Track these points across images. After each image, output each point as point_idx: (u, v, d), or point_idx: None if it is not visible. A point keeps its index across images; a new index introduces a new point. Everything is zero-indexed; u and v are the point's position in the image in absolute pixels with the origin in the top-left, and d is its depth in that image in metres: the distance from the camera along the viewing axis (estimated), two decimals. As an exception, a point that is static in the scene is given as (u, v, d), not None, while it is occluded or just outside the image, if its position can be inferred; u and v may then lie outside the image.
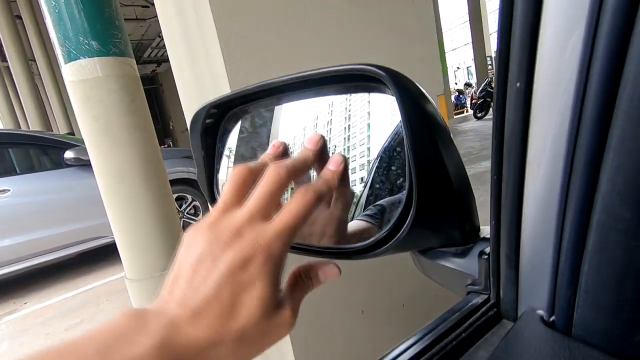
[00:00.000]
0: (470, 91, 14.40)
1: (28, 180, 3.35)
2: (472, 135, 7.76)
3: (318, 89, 0.35)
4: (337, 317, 1.30)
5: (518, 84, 0.16)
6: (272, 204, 0.26)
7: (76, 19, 0.92)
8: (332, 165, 0.30)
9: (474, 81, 15.67)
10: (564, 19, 0.14)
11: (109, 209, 1.02)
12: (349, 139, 0.36)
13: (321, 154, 0.31)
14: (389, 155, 0.33)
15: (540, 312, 0.22)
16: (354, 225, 0.35)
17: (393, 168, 0.32)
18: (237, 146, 0.41)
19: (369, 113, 0.34)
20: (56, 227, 3.38)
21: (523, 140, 0.18)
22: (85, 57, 0.94)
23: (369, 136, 0.34)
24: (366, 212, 0.34)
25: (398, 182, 0.32)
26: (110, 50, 0.96)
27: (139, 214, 0.98)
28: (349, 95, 0.34)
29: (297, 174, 0.28)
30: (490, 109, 11.69)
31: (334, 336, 1.30)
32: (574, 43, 0.15)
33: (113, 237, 3.40)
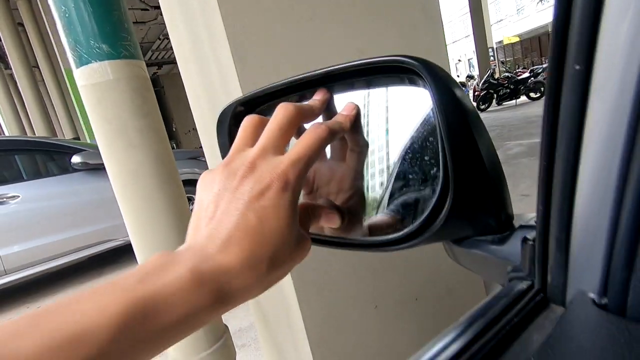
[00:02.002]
0: (472, 83, 14.30)
1: (37, 186, 3.38)
2: (476, 128, 7.70)
3: (345, 83, 0.35)
4: (351, 311, 1.31)
5: (577, 67, 0.16)
6: (283, 139, 0.27)
7: (86, 22, 0.93)
8: (345, 111, 0.32)
9: (475, 73, 15.56)
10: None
11: (125, 211, 1.02)
12: (372, 130, 0.35)
13: (354, 125, 0.32)
14: (420, 146, 0.33)
15: (592, 295, 0.22)
16: (378, 218, 0.35)
17: (426, 158, 0.32)
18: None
19: (394, 104, 0.34)
20: (66, 231, 3.41)
21: (579, 123, 0.18)
22: (96, 61, 0.94)
23: (387, 130, 0.34)
24: (391, 207, 0.34)
25: (431, 172, 0.32)
26: (121, 53, 0.96)
27: (155, 214, 0.99)
28: (376, 88, 0.34)
29: (305, 113, 0.29)
30: (493, 100, 11.61)
31: (348, 330, 1.31)
32: (637, 24, 0.15)
33: (122, 240, 3.42)
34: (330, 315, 1.25)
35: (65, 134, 9.05)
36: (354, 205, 0.33)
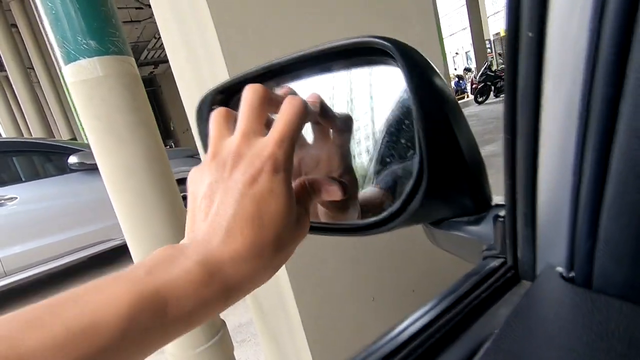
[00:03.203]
0: (469, 76, 14.27)
1: (34, 187, 3.37)
2: (475, 120, 7.72)
3: (322, 66, 0.35)
4: (348, 304, 1.31)
5: (530, 34, 0.16)
6: (259, 120, 0.27)
7: (73, 18, 0.92)
8: (310, 98, 0.31)
9: (473, 66, 15.52)
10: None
11: (117, 207, 1.02)
12: (352, 111, 0.35)
13: (323, 111, 0.31)
14: (397, 128, 0.33)
15: (559, 268, 0.22)
16: (367, 192, 0.35)
17: (402, 141, 0.32)
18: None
19: (371, 85, 0.34)
20: (65, 232, 3.41)
21: (536, 91, 0.18)
22: (84, 57, 0.93)
23: (372, 108, 0.34)
24: (377, 179, 0.34)
25: (408, 154, 0.32)
26: (109, 49, 0.96)
27: (148, 210, 0.99)
28: (353, 69, 0.34)
29: (267, 92, 0.28)
30: (491, 93, 11.57)
31: (346, 322, 1.31)
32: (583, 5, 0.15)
33: (120, 240, 3.42)
34: (327, 308, 1.25)
35: (61, 134, 9.03)
36: (346, 182, 0.33)
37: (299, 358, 1.30)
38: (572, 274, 0.21)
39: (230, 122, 0.28)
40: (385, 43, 0.28)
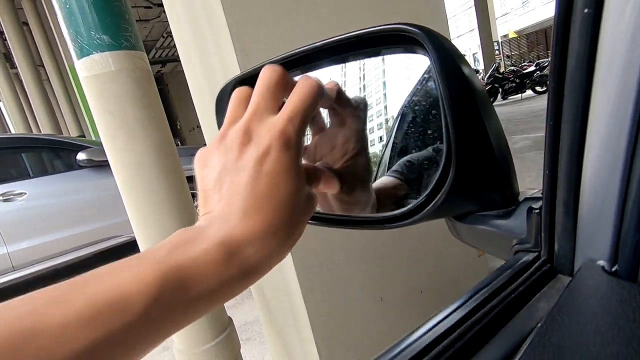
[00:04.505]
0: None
1: (43, 183, 3.41)
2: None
3: (344, 55, 0.34)
4: (356, 304, 1.30)
5: (586, 10, 0.15)
6: (274, 99, 0.26)
7: (87, 13, 0.92)
8: (329, 85, 0.31)
9: (480, 67, 15.41)
10: None
11: (128, 202, 1.02)
12: (371, 98, 0.34)
13: (340, 97, 0.31)
14: (423, 118, 0.32)
15: (601, 262, 0.21)
16: (382, 182, 0.34)
17: (429, 131, 0.31)
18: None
19: (392, 73, 0.33)
20: (72, 228, 3.44)
21: (588, 74, 0.17)
22: (97, 52, 0.94)
23: (393, 96, 0.33)
24: (393, 169, 0.33)
25: (434, 145, 0.31)
26: (122, 44, 0.96)
27: (158, 205, 0.99)
28: (374, 58, 0.33)
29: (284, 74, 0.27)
30: (499, 95, 11.49)
31: (354, 322, 1.30)
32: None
33: (127, 237, 3.44)
34: (335, 307, 1.24)
35: (70, 131, 9.11)
36: (360, 167, 0.32)
37: (306, 357, 1.29)
38: (615, 268, 0.20)
39: (247, 102, 0.27)
40: (415, 30, 0.28)
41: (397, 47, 0.32)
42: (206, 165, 0.26)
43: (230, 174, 0.24)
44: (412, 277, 1.44)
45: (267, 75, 0.26)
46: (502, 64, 13.25)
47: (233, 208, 0.23)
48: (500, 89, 11.19)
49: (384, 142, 0.33)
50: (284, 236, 0.24)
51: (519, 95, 11.37)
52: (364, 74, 0.33)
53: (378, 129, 0.33)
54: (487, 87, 11.09)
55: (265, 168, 0.23)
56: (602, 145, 0.19)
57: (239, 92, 0.29)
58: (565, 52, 0.17)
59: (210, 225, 0.23)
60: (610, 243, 0.20)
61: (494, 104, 11.24)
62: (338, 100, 0.31)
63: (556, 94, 0.19)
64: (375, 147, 0.33)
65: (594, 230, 0.21)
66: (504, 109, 9.84)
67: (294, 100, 0.25)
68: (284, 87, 0.27)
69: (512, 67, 11.77)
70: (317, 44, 0.33)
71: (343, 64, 0.34)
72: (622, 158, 0.18)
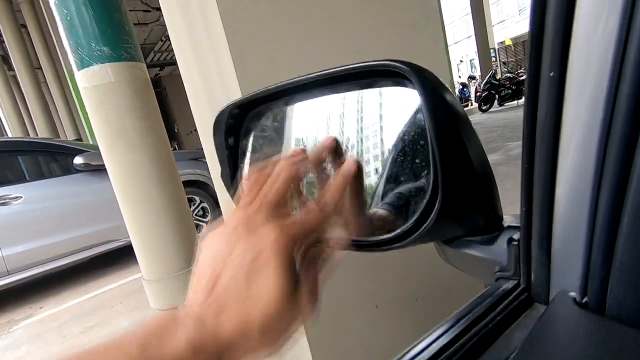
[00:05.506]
0: (474, 84, 14.26)
1: (39, 187, 3.40)
2: (478, 128, 7.68)
3: (337, 86, 0.36)
4: (351, 312, 1.31)
5: (551, 73, 0.17)
6: (280, 196, 0.28)
7: (87, 25, 0.94)
8: (346, 166, 0.32)
9: (477, 74, 15.53)
10: (599, 6, 0.15)
11: (125, 211, 1.03)
12: (361, 130, 0.36)
13: (336, 151, 0.34)
14: (411, 148, 0.33)
15: (573, 294, 0.22)
16: (375, 213, 0.35)
17: (417, 161, 0.32)
18: (259, 144, 0.42)
19: (381, 106, 0.35)
20: (68, 232, 3.42)
21: (556, 126, 0.19)
22: (97, 63, 0.95)
23: (381, 127, 0.35)
24: (386, 201, 0.35)
25: (422, 174, 0.32)
26: (122, 56, 0.97)
27: (155, 215, 1.00)
28: (366, 90, 0.35)
29: (300, 166, 0.30)
30: (495, 101, 11.55)
31: (349, 330, 1.31)
32: (609, 31, 0.15)
33: (124, 241, 3.43)
34: (330, 315, 1.25)
35: (67, 135, 9.09)
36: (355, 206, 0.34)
37: (300, 365, 1.29)
38: (585, 300, 0.22)
39: (259, 187, 0.29)
40: (402, 66, 0.29)
41: (387, 79, 0.33)
42: (208, 250, 0.27)
43: (222, 264, 0.25)
44: (407, 285, 1.44)
45: (277, 175, 0.29)
46: (498, 70, 13.36)
47: (212, 302, 0.24)
48: (497, 96, 11.28)
49: (378, 173, 0.34)
50: (255, 337, 0.24)
51: (516, 101, 11.46)
52: (359, 109, 0.35)
53: (373, 161, 0.34)
54: (483, 94, 11.17)
55: (253, 268, 0.24)
56: (572, 182, 0.20)
57: (252, 177, 0.30)
58: (535, 110, 0.18)
59: (188, 317, 0.24)
60: (580, 275, 0.22)
61: (491, 110, 11.32)
62: (334, 154, 0.33)
63: (529, 141, 0.20)
64: (370, 178, 0.34)
65: (566, 263, 0.22)
66: (500, 115, 9.90)
67: (302, 221, 0.27)
68: (294, 182, 0.29)
69: (509, 74, 11.87)
70: (307, 76, 0.34)
71: (334, 95, 0.36)
72: (589, 199, 0.19)
